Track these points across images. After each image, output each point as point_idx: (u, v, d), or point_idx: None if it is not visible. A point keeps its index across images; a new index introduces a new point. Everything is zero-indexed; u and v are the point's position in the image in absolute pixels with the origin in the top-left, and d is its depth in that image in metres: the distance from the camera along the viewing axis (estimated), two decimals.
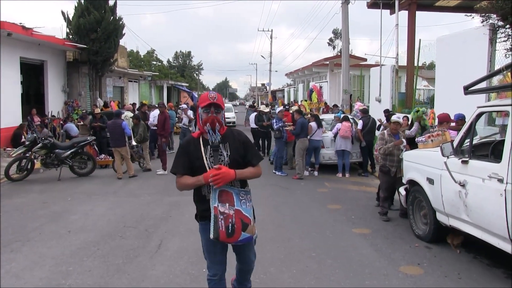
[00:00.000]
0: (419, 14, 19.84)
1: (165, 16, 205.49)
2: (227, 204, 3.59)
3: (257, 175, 3.89)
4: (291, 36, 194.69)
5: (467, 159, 5.72)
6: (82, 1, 22.56)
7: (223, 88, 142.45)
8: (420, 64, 16.17)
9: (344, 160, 13.19)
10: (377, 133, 11.96)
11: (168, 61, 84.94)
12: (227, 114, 30.72)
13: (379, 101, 18.14)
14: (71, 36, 22.40)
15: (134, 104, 23.47)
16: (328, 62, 28.98)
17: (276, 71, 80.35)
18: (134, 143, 13.95)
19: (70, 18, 22.66)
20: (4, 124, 16.02)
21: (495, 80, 8.99)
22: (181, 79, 67.00)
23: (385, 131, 8.68)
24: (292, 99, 42.00)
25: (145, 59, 63.44)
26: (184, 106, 20.66)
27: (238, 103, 78.47)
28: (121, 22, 23.70)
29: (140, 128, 14.12)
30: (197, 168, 3.70)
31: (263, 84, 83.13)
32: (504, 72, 5.18)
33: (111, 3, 23.46)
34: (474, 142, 6.56)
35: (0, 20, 15.20)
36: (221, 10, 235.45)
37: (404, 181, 7.84)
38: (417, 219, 7.35)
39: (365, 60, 27.15)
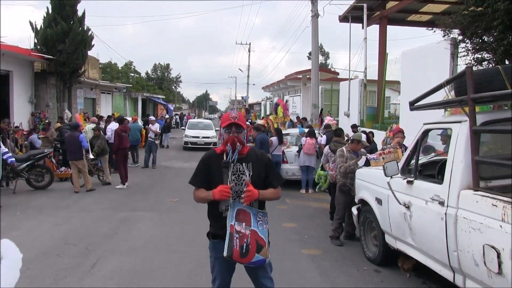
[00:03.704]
0: (400, 29, 20.02)
1: (145, 28, 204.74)
2: (243, 224, 3.54)
3: (277, 196, 3.88)
4: (271, 49, 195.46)
5: (412, 179, 5.41)
6: (50, 12, 22.11)
7: (203, 101, 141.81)
8: (396, 79, 16.06)
9: (308, 176, 12.86)
10: None
11: (147, 73, 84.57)
12: (206, 133, 26.62)
13: (348, 115, 17.97)
14: (38, 47, 21.93)
15: (100, 117, 22.95)
16: (301, 76, 28.84)
17: (253, 84, 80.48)
18: (91, 156, 13.55)
19: (38, 28, 22.20)
20: None
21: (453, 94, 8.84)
22: (159, 91, 66.61)
23: (344, 148, 8.33)
24: (268, 112, 41.79)
25: (123, 71, 62.98)
26: (152, 118, 20.33)
27: (218, 116, 78.11)
28: (90, 33, 23.26)
29: (99, 140, 13.74)
30: (216, 183, 3.65)
31: (242, 97, 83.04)
32: (446, 87, 4.88)
33: (80, 13, 23.01)
34: (425, 160, 6.30)
35: None
36: (201, 22, 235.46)
37: (356, 200, 7.51)
38: (368, 241, 7.03)
39: (337, 74, 27.07)
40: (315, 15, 18.40)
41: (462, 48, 9.73)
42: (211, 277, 3.96)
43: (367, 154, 8.27)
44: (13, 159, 11.26)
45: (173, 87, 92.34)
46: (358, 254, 7.22)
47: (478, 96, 4.20)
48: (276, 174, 3.94)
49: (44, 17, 22.22)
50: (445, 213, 4.57)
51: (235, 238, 3.48)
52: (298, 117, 21.78)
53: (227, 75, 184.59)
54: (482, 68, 8.69)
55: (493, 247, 3.86)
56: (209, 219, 3.91)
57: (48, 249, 7.19)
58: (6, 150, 11.23)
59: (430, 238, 4.97)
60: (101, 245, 7.50)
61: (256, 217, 3.62)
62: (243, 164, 3.74)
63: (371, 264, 6.71)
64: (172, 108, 56.54)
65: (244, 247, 3.48)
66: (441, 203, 4.67)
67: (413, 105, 5.63)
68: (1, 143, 11.13)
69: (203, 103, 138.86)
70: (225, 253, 3.49)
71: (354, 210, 7.51)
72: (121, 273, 6.21)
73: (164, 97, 60.89)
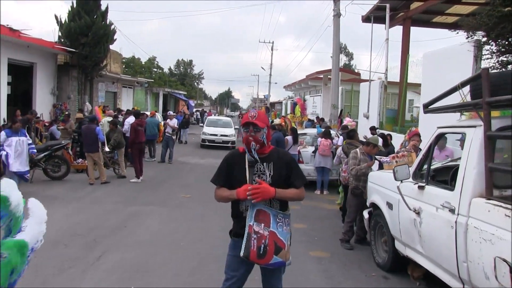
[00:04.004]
0: (422, 30, 19.74)
1: (168, 24, 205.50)
2: (262, 224, 3.48)
3: (299, 197, 3.75)
4: (294, 48, 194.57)
5: (423, 184, 5.19)
6: (75, 6, 22.34)
7: (226, 98, 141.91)
8: (419, 81, 15.75)
9: (324, 177, 12.66)
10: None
11: (170, 69, 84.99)
12: (224, 131, 25.32)
13: (367, 117, 17.69)
14: (62, 40, 22.12)
15: (120, 110, 23.02)
16: (322, 76, 28.57)
17: (276, 83, 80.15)
18: (107, 149, 13.56)
19: (63, 22, 22.41)
20: None
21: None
22: (181, 87, 66.80)
23: (358, 150, 8.09)
24: (289, 111, 41.62)
25: (146, 66, 63.31)
26: (171, 113, 20.32)
27: (237, 114, 77.83)
28: (112, 28, 23.41)
29: (115, 133, 13.73)
30: (237, 182, 3.63)
31: (264, 96, 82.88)
32: (461, 89, 4.66)
33: (103, 8, 23.16)
34: (439, 165, 6.07)
35: None
36: (224, 19, 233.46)
37: (367, 203, 7.29)
38: (378, 246, 6.81)
39: (359, 75, 26.75)
40: (337, 15, 18.18)
41: (486, 50, 9.36)
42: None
43: (381, 157, 8.05)
44: (35, 150, 11.26)
45: (195, 83, 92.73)
46: (367, 259, 7.01)
47: (494, 99, 3.97)
48: (298, 174, 3.78)
49: (68, 11, 22.54)
50: (455, 221, 4.35)
51: (252, 238, 3.44)
52: (317, 117, 21.58)
53: (249, 73, 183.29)
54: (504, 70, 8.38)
55: (505, 261, 3.62)
56: (232, 218, 3.87)
57: (55, 240, 7.14)
58: (31, 141, 11.23)
59: (439, 246, 4.76)
60: (108, 238, 7.49)
61: (276, 218, 3.53)
62: (264, 163, 3.68)
63: (380, 270, 6.50)
64: (193, 105, 56.69)
65: (262, 248, 3.43)
66: (452, 211, 4.45)
67: (427, 108, 5.41)
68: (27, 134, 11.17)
69: (225, 101, 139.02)
70: (241, 253, 3.47)
71: (365, 213, 7.30)
72: (124, 267, 6.16)
73: (185, 93, 61.05)
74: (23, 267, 2.34)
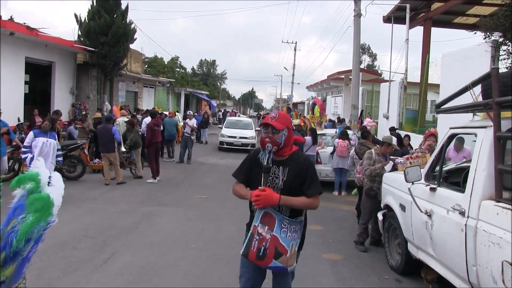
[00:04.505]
0: (441, 30, 19.48)
1: (192, 24, 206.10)
2: (266, 227, 3.47)
3: (309, 206, 3.59)
4: (317, 48, 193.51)
5: (435, 186, 5.09)
6: (95, 4, 22.45)
7: (249, 98, 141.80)
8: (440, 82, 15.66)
9: (341, 178, 12.57)
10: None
11: (193, 69, 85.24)
12: (244, 133, 24.03)
13: (387, 118, 17.53)
14: (82, 39, 22.26)
15: (139, 110, 23.16)
16: (343, 76, 28.38)
17: (298, 83, 79.97)
18: (123, 149, 13.59)
19: (83, 20, 22.56)
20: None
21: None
22: (204, 87, 66.97)
23: (373, 150, 8.00)
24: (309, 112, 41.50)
25: (169, 66, 63.59)
26: (190, 112, 20.36)
27: (256, 115, 77.52)
28: (132, 27, 23.46)
29: (132, 133, 13.76)
30: (254, 182, 3.64)
31: (288, 96, 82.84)
32: (472, 89, 4.57)
33: (123, 7, 23.26)
34: (453, 167, 5.97)
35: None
36: (248, 19, 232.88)
37: (382, 205, 7.20)
38: (392, 248, 6.72)
39: (380, 75, 26.52)
40: (358, 15, 17.99)
41: (504, 51, 9.29)
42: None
43: (396, 157, 7.95)
44: (60, 159, 10.76)
45: (218, 83, 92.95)
46: (381, 261, 6.93)
47: (504, 99, 3.88)
48: (311, 182, 3.56)
49: (88, 10, 22.59)
50: (465, 224, 4.26)
51: (255, 239, 3.44)
52: (338, 118, 21.45)
53: (273, 73, 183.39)
54: None
55: None
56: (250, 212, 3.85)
57: (65, 241, 7.09)
58: (59, 147, 11.04)
59: (449, 249, 4.67)
60: (119, 239, 7.42)
61: (281, 223, 3.47)
62: (280, 167, 3.60)
63: (393, 273, 6.42)
64: (215, 105, 56.83)
65: (262, 250, 3.41)
66: (462, 213, 4.36)
67: (439, 108, 5.32)
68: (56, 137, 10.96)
69: (249, 101, 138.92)
70: (241, 251, 3.51)
71: (380, 215, 7.21)
72: (132, 268, 6.09)
73: (208, 93, 61.15)
74: (41, 232, 2.59)
